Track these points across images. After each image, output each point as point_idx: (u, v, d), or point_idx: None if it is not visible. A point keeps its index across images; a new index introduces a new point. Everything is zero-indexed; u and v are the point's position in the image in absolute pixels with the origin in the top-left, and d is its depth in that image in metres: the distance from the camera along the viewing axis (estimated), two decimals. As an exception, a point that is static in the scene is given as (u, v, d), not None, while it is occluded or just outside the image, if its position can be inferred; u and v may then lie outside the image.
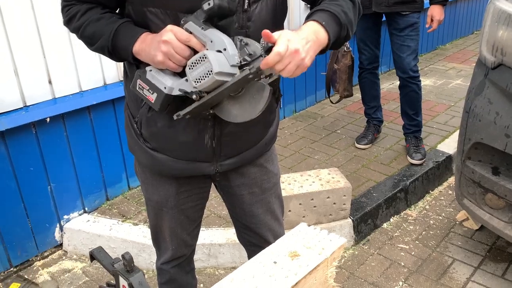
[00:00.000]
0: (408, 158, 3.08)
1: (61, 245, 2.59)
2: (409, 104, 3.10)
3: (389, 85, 4.50)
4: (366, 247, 2.53)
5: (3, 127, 2.19)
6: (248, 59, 1.00)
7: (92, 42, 1.16)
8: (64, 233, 2.56)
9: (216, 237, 2.42)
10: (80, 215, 2.63)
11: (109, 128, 2.67)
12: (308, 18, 1.12)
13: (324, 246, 0.98)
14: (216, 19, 1.03)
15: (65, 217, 2.58)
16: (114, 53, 1.15)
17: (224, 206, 2.65)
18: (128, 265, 0.73)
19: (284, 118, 3.87)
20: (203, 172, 1.30)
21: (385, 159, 3.14)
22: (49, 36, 2.32)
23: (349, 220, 2.52)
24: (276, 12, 1.17)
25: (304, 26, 1.08)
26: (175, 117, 1.06)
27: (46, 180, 2.45)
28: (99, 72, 2.58)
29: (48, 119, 2.37)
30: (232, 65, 0.99)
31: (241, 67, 1.00)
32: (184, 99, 1.08)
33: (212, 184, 1.48)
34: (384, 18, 3.08)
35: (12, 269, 2.44)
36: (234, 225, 1.60)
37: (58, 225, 2.56)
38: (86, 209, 2.66)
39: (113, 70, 2.62)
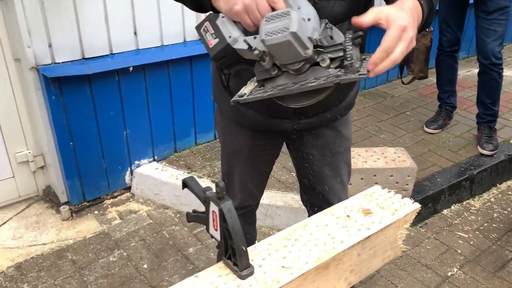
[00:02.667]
0: (479, 147, 2.96)
1: (129, 188, 2.77)
2: (487, 92, 2.96)
3: (466, 72, 4.29)
4: (423, 230, 2.51)
5: (91, 70, 2.35)
6: (326, 43, 0.93)
7: None
8: (134, 177, 2.74)
9: (274, 199, 2.49)
10: (149, 162, 2.79)
11: (184, 84, 2.78)
12: None
13: (398, 208, 1.00)
14: None
15: (136, 162, 2.75)
16: None
17: (284, 171, 2.72)
18: (220, 193, 0.79)
19: (352, 94, 3.83)
20: (282, 128, 1.35)
21: (454, 146, 3.05)
22: (139, -12, 2.43)
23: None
24: None
25: (406, 1, 0.96)
26: (232, 103, 1.01)
27: (123, 125, 2.62)
28: (181, 29, 2.67)
29: (131, 68, 2.50)
30: (309, 38, 0.90)
31: (316, 46, 0.92)
32: (237, 62, 1.04)
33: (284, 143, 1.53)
34: (471, 0, 2.93)
35: (85, 203, 2.65)
36: (300, 185, 1.64)
37: (129, 169, 2.74)
38: (156, 157, 2.82)
39: (193, 28, 2.70)
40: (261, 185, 1.62)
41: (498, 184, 2.91)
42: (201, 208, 0.88)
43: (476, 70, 2.99)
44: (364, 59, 0.96)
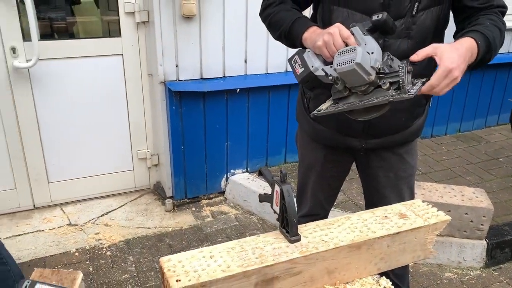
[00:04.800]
0: None
1: (223, 192, 3.17)
2: None
3: None
4: (496, 273, 2.51)
5: (206, 89, 2.81)
6: (386, 70, 1.22)
7: (276, 27, 1.50)
8: (228, 183, 3.14)
9: (349, 220, 2.69)
10: (243, 172, 3.18)
11: (281, 108, 3.14)
12: (465, 35, 1.29)
13: (430, 217, 1.21)
14: (379, 33, 1.27)
15: (232, 171, 3.15)
16: (288, 37, 1.47)
17: (362, 196, 2.90)
18: (283, 177, 1.09)
19: (446, 135, 3.87)
20: (351, 145, 1.60)
21: (545, 197, 2.98)
22: (253, 24, 2.86)
23: (484, 242, 2.52)
24: (438, 21, 1.39)
25: (464, 42, 1.24)
26: (311, 115, 1.34)
27: (225, 137, 3.04)
28: (284, 61, 3.05)
29: (238, 90, 2.93)
30: (372, 67, 1.19)
31: (378, 73, 1.21)
32: (319, 85, 1.34)
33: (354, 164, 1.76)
34: None
35: (185, 199, 3.10)
36: (365, 203, 1.86)
37: (225, 176, 3.15)
38: (248, 169, 3.20)
39: (295, 60, 3.07)
40: (331, 198, 1.87)
41: None
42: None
43: None
44: (416, 83, 1.22)
